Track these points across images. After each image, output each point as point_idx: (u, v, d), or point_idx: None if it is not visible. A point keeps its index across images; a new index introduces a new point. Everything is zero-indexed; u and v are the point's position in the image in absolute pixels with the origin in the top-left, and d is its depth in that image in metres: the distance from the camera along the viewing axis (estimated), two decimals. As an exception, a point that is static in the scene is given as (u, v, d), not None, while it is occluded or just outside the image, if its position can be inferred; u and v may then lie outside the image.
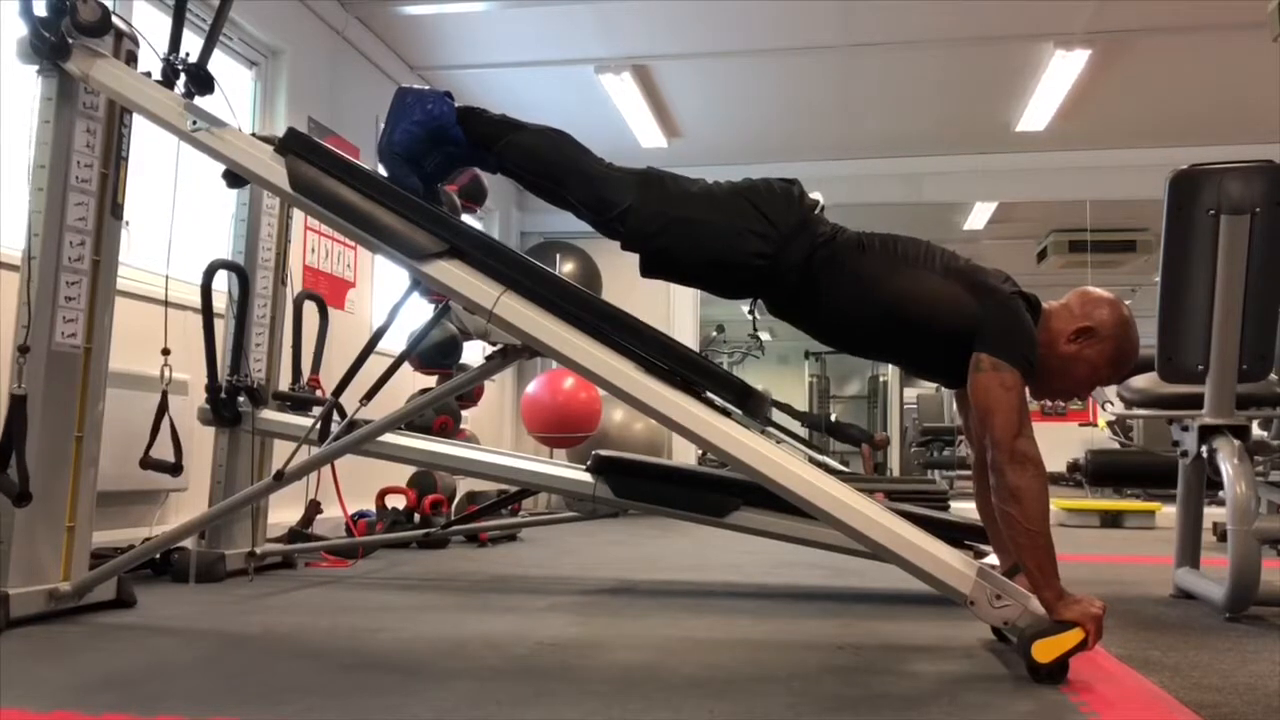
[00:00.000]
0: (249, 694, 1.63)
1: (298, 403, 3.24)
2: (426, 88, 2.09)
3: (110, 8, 2.26)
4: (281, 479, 2.21)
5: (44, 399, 2.20)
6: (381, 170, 2.12)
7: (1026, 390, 1.91)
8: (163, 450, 2.70)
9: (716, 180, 2.05)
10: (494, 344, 2.17)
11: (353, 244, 4.50)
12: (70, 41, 2.20)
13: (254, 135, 2.25)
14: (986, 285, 1.94)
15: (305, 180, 2.03)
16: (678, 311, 6.81)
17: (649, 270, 2.06)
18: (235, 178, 2.16)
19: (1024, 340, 1.91)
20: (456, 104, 2.09)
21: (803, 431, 8.42)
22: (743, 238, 1.96)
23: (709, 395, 1.96)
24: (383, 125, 2.09)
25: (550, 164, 2.06)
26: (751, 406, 2.00)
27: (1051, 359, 1.97)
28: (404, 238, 1.98)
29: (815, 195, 2.06)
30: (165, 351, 2.49)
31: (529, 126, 2.08)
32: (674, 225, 1.98)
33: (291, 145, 2.07)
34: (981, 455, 2.04)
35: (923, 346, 2.00)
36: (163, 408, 2.61)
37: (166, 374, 2.51)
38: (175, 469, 2.73)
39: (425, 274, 1.99)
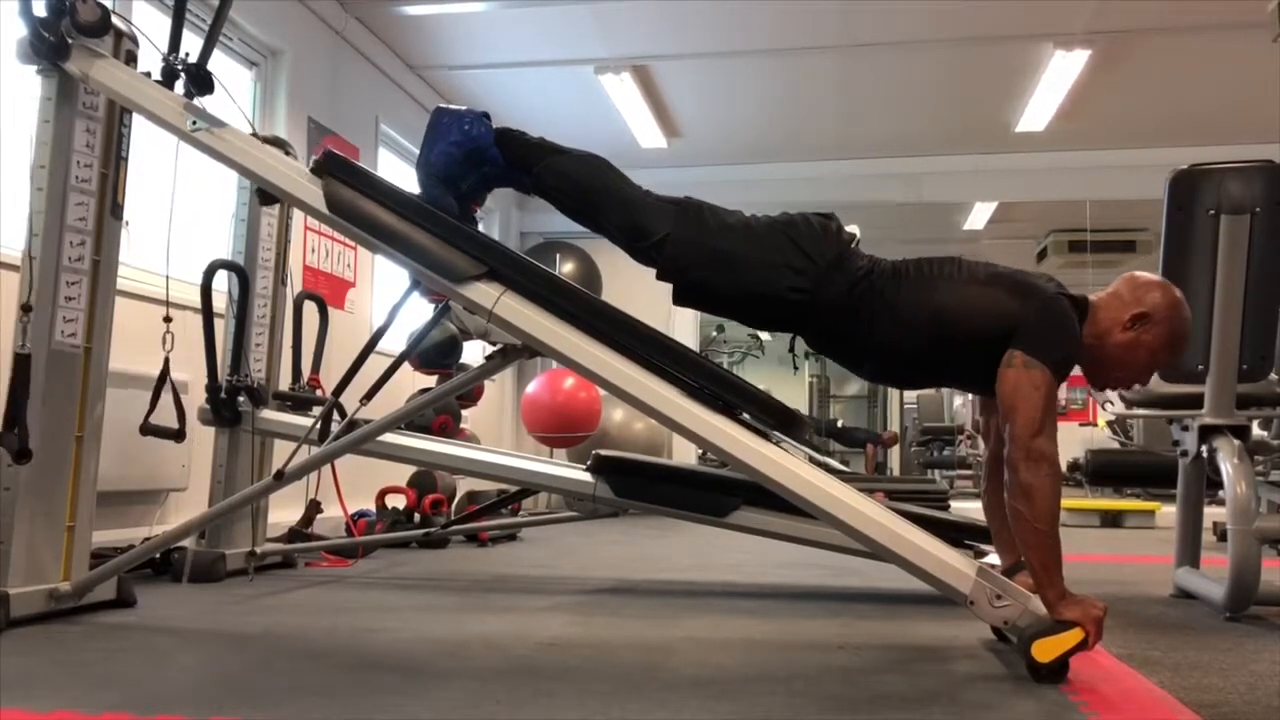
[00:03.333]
0: (249, 694, 1.63)
1: (298, 403, 3.24)
2: (463, 108, 2.08)
3: (110, 8, 2.26)
4: (281, 479, 2.20)
5: (44, 399, 2.19)
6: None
7: (1070, 386, 1.90)
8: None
9: (754, 214, 2.04)
10: (494, 344, 2.17)
11: (353, 244, 4.50)
12: (70, 41, 2.20)
13: (254, 135, 2.25)
14: (1028, 286, 1.93)
15: (342, 202, 2.03)
16: (678, 311, 6.79)
17: (682, 299, 2.06)
18: (268, 195, 2.15)
19: (1062, 341, 1.89)
20: (495, 125, 2.07)
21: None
22: (781, 273, 1.95)
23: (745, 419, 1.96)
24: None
25: (589, 190, 2.06)
26: (794, 432, 2.00)
27: (1108, 348, 1.95)
28: (442, 260, 1.98)
29: (852, 228, 2.05)
30: (167, 319, 2.48)
31: (569, 151, 2.08)
32: (711, 257, 1.98)
33: (329, 167, 2.06)
34: (996, 452, 2.03)
35: (973, 360, 1.93)
36: (164, 374, 2.59)
37: (169, 341, 2.50)
38: (178, 435, 2.71)
39: (464, 296, 1.98)
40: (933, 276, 1.98)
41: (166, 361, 2.56)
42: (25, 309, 2.18)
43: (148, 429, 2.70)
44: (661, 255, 2.00)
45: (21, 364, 2.16)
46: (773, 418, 1.97)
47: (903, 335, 1.97)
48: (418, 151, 2.12)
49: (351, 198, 2.03)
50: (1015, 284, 1.94)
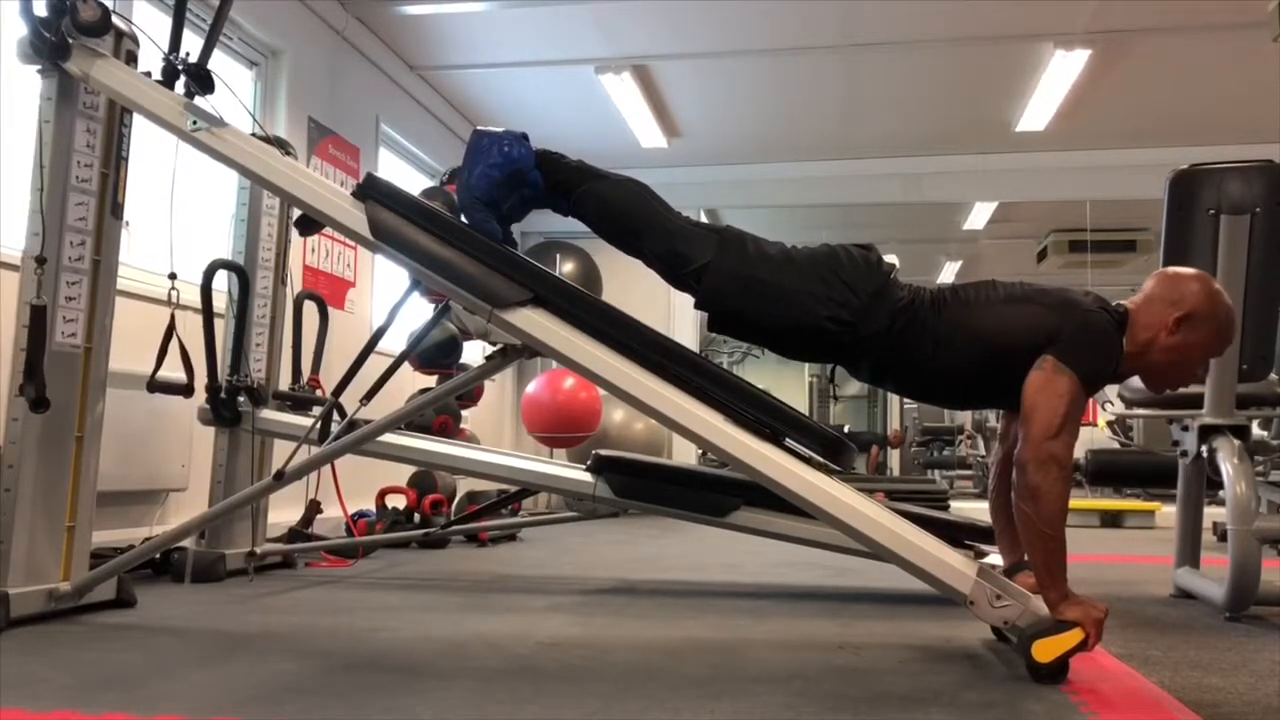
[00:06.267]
0: (249, 694, 1.63)
1: (298, 402, 3.24)
2: (502, 130, 2.05)
3: (110, 8, 2.26)
4: (281, 479, 2.20)
5: (44, 399, 2.20)
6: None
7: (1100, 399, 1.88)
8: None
9: (794, 245, 2.05)
10: (494, 344, 2.17)
11: (353, 244, 4.50)
12: (70, 41, 2.20)
13: (254, 135, 2.25)
14: (1068, 301, 1.93)
15: (387, 228, 2.01)
16: (678, 311, 6.79)
17: (719, 327, 2.07)
18: (308, 224, 2.13)
19: (1097, 354, 1.88)
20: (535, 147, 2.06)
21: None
22: (822, 304, 1.95)
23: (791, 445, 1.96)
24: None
25: (629, 216, 2.05)
26: (842, 460, 2.00)
27: (1157, 354, 1.94)
28: (487, 286, 1.97)
29: (890, 258, 2.05)
30: (172, 276, 2.46)
31: (610, 176, 2.08)
32: (752, 288, 1.98)
33: (371, 192, 2.04)
34: (1009, 453, 2.03)
35: (1019, 377, 1.90)
36: (170, 328, 2.55)
37: (174, 295, 2.48)
38: (187, 390, 2.69)
39: (508, 322, 1.97)
40: (971, 301, 1.98)
41: (172, 318, 2.53)
42: (40, 261, 2.18)
43: (155, 385, 2.67)
44: (701, 284, 2.00)
45: (38, 315, 2.17)
46: (820, 445, 1.96)
47: (948, 360, 1.97)
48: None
49: (396, 223, 2.01)
50: (1055, 300, 1.94)
